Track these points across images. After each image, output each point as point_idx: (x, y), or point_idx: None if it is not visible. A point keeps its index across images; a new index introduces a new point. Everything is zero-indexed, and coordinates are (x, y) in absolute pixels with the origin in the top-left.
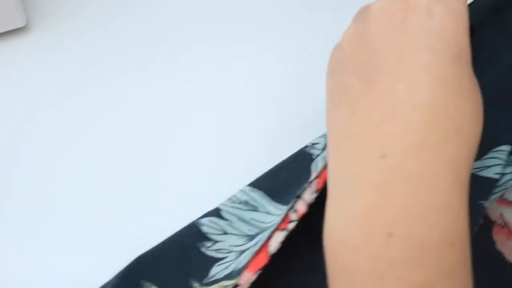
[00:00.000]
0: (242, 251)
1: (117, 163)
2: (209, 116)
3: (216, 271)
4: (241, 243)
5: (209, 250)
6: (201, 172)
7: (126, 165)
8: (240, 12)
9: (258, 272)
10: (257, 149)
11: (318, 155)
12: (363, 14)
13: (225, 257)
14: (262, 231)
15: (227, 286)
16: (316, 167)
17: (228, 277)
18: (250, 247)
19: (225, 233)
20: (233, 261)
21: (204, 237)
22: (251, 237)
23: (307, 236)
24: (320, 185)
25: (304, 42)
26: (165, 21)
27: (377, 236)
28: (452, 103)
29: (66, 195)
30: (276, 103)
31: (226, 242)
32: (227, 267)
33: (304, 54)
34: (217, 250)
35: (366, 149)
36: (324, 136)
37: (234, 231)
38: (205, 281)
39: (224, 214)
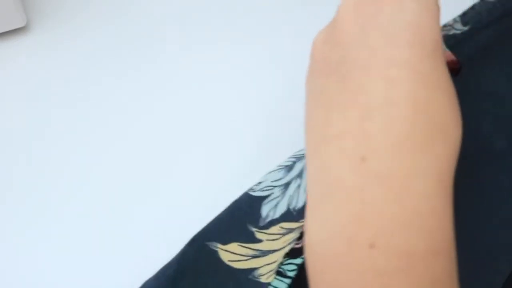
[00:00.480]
0: (287, 184)
1: (117, 162)
2: (210, 115)
3: (267, 210)
4: (281, 176)
5: (255, 191)
6: (200, 170)
7: (125, 164)
8: (241, 12)
9: None
10: (258, 148)
11: None
12: (333, 19)
13: (271, 194)
14: (299, 159)
15: (292, 228)
16: None
17: (285, 217)
18: (293, 178)
19: (268, 172)
20: (279, 197)
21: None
22: (289, 168)
23: None
24: None
25: (306, 42)
26: (165, 21)
27: (360, 247)
28: (432, 98)
29: (65, 194)
30: (277, 103)
31: (268, 179)
32: (276, 204)
33: (306, 54)
34: (262, 189)
35: (345, 152)
36: None
37: (274, 167)
38: (261, 223)
39: None
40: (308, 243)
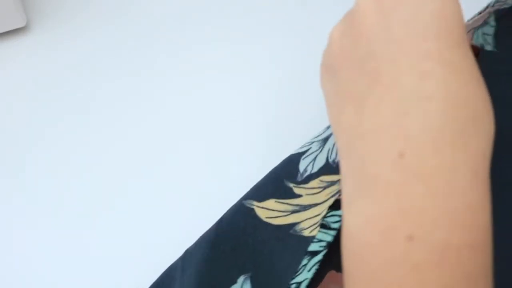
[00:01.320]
0: (325, 139)
1: (117, 161)
2: (210, 115)
3: (305, 165)
4: (320, 132)
5: (295, 150)
6: (200, 169)
7: (125, 163)
8: (241, 12)
9: None
10: (258, 148)
11: None
12: (351, 12)
13: (308, 149)
14: None
15: (334, 181)
16: None
17: (324, 170)
18: (332, 132)
19: None
20: (317, 151)
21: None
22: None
23: None
24: None
25: (305, 41)
26: (165, 21)
27: (396, 241)
28: (466, 91)
29: (65, 194)
30: (277, 103)
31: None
32: (314, 158)
33: (305, 53)
34: (300, 147)
35: (382, 147)
36: None
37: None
38: (299, 178)
39: None
40: (345, 237)
